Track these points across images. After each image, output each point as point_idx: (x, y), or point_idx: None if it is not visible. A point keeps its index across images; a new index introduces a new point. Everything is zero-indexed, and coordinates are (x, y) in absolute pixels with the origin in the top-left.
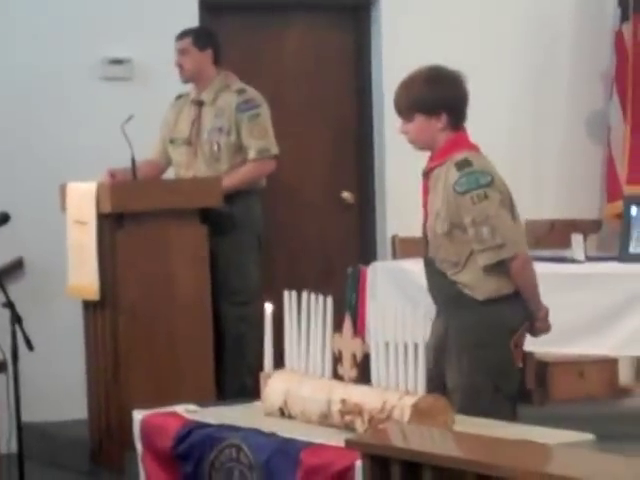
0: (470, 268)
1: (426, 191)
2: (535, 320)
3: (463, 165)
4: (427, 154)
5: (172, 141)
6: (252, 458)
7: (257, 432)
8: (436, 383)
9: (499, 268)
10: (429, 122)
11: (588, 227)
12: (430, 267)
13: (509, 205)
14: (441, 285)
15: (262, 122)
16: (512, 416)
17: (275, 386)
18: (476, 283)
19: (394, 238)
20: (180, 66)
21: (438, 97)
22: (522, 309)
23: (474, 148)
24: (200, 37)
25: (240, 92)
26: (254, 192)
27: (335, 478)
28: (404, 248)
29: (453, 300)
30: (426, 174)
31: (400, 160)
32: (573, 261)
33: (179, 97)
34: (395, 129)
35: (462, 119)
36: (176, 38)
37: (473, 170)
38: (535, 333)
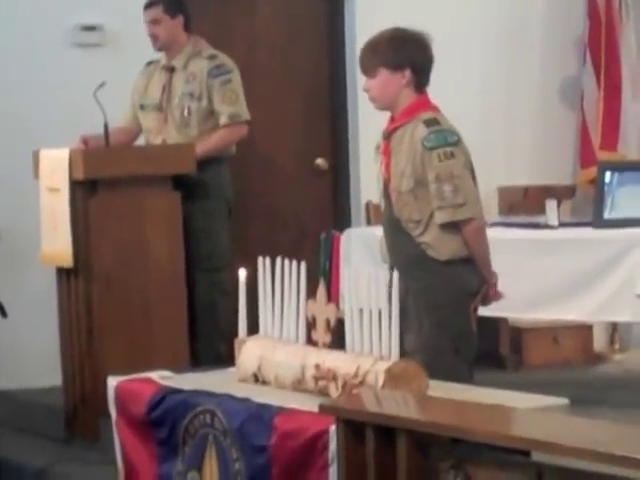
0: (432, 227)
1: (387, 153)
2: (487, 287)
3: (432, 123)
4: None
5: (142, 107)
6: (226, 423)
7: (231, 397)
8: None
9: (458, 229)
10: (393, 77)
11: (562, 193)
12: (394, 227)
13: (471, 170)
14: (404, 245)
15: (234, 87)
16: (470, 379)
17: (249, 352)
18: (438, 243)
19: (368, 204)
20: (153, 36)
21: (403, 53)
22: (479, 272)
23: (438, 110)
24: (170, 4)
25: (212, 58)
26: (224, 159)
27: (309, 443)
28: (378, 214)
29: (415, 261)
30: (387, 136)
31: (374, 127)
32: (547, 227)
33: (149, 63)
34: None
35: (426, 82)
36: (145, 7)
37: (442, 128)
38: (486, 301)
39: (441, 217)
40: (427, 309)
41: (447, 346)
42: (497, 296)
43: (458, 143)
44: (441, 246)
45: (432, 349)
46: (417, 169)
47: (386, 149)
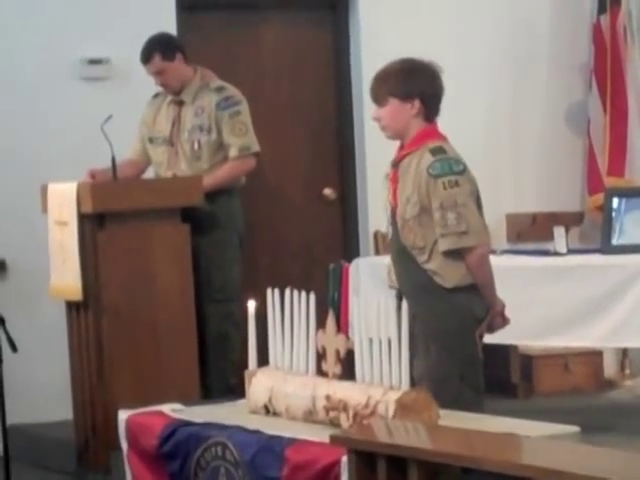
0: (436, 254)
1: (395, 180)
2: (492, 315)
3: (437, 151)
4: None
5: (151, 140)
6: (237, 456)
7: (242, 430)
8: None
9: (462, 256)
10: (403, 107)
11: (570, 220)
12: (401, 254)
13: (476, 198)
14: (411, 272)
15: (243, 119)
16: (478, 407)
17: (260, 384)
18: (443, 270)
19: (376, 234)
20: (164, 85)
21: (413, 84)
22: (485, 299)
23: (446, 140)
24: (165, 50)
25: (219, 90)
26: (234, 190)
27: (321, 474)
28: (386, 244)
29: (422, 287)
30: (396, 164)
31: (381, 156)
32: (555, 254)
33: (156, 95)
34: (374, 124)
35: (435, 112)
36: (143, 62)
37: (447, 157)
38: (491, 329)
39: (444, 245)
40: (433, 335)
41: (453, 373)
42: (504, 323)
43: (463, 172)
44: (446, 273)
45: (438, 375)
46: (422, 197)
47: (394, 177)
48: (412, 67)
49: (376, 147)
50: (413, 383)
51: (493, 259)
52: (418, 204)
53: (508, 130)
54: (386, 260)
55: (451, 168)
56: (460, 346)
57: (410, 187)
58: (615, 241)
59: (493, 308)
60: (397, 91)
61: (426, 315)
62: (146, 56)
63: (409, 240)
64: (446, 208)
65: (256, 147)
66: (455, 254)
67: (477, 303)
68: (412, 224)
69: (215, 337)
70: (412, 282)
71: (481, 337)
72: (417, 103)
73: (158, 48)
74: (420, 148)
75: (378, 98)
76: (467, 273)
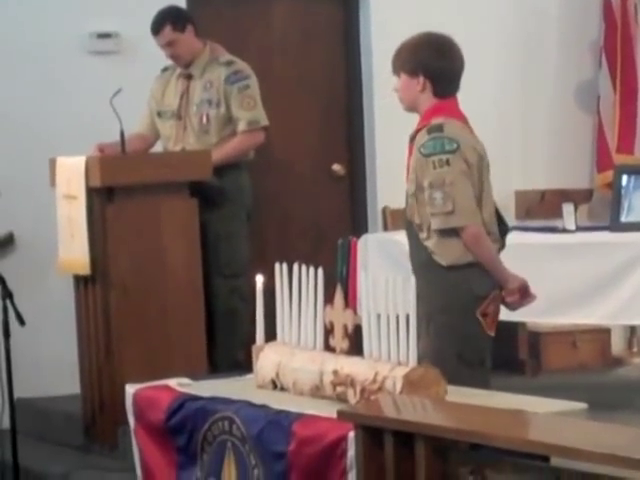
0: (433, 233)
1: (410, 155)
2: (506, 292)
3: (434, 129)
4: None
5: (159, 114)
6: (244, 430)
7: (249, 404)
8: None
9: (458, 235)
10: (411, 82)
11: (579, 197)
12: (409, 229)
13: (476, 177)
14: (416, 248)
15: (251, 93)
16: (481, 384)
17: (267, 359)
18: (438, 248)
19: (385, 210)
20: (174, 57)
21: (417, 60)
22: (491, 277)
23: (456, 116)
24: (176, 21)
25: (229, 64)
26: (242, 164)
27: (328, 449)
28: (395, 220)
29: (424, 264)
30: (412, 138)
31: (390, 131)
32: (564, 231)
33: (165, 69)
34: (383, 101)
35: (446, 89)
36: (153, 33)
37: (441, 135)
38: (510, 306)
39: (434, 224)
40: (431, 313)
41: (450, 351)
42: (524, 300)
43: (455, 151)
44: (442, 252)
45: (435, 354)
46: (417, 174)
47: (410, 151)
48: (419, 42)
49: (385, 123)
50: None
51: None
52: (414, 182)
53: (518, 107)
54: (394, 237)
55: (443, 147)
56: (458, 324)
57: (412, 164)
58: (624, 218)
59: (503, 285)
60: (405, 66)
61: (426, 292)
62: (157, 27)
63: (410, 216)
64: (434, 187)
65: (265, 121)
66: (450, 232)
67: (478, 280)
68: (411, 201)
69: (223, 312)
70: (416, 258)
71: (486, 314)
72: (421, 80)
73: (169, 19)
74: (427, 125)
75: (394, 70)
76: (465, 251)
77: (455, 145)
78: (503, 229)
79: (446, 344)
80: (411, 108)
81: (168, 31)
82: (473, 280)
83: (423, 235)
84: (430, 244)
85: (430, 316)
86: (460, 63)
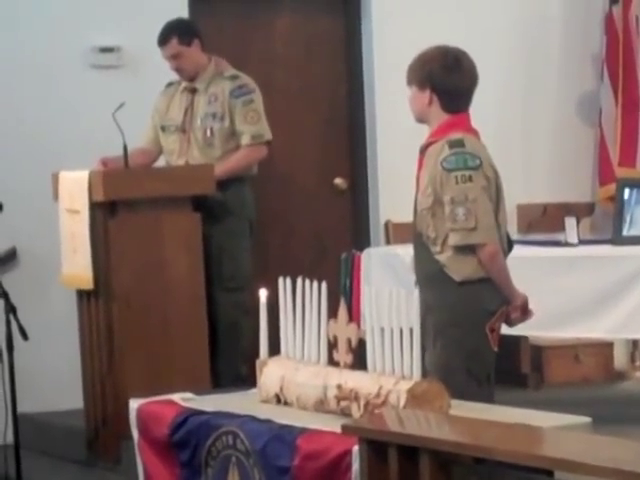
0: (447, 247)
1: (420, 166)
2: (511, 308)
3: (455, 144)
4: (420, 137)
5: (163, 128)
6: (248, 445)
7: (253, 419)
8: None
9: (473, 251)
10: (420, 95)
11: (581, 210)
12: (418, 241)
13: (494, 195)
14: (425, 260)
15: (255, 107)
16: (484, 399)
17: (271, 373)
18: (452, 263)
19: (387, 223)
20: (179, 70)
21: (426, 74)
22: (500, 293)
23: (472, 132)
24: (183, 33)
25: (233, 78)
26: (246, 179)
27: (332, 464)
28: (397, 233)
29: (433, 278)
30: (423, 150)
31: (392, 145)
32: (566, 244)
33: (170, 84)
34: (386, 115)
35: (455, 104)
36: (160, 44)
37: (464, 151)
38: (511, 322)
39: (454, 239)
40: (441, 327)
41: (458, 365)
42: (524, 317)
43: (478, 167)
44: (456, 267)
45: (443, 368)
46: (436, 189)
47: (420, 163)
48: (431, 56)
49: (387, 137)
50: (426, 374)
51: None
52: (432, 196)
53: (519, 120)
54: (397, 250)
55: (466, 163)
56: (467, 338)
57: (427, 177)
58: (626, 232)
59: (511, 302)
60: (416, 78)
61: (435, 306)
62: (163, 38)
63: (422, 229)
64: (456, 203)
65: (268, 135)
66: (466, 249)
67: (489, 296)
68: (425, 214)
69: (225, 326)
70: (425, 271)
71: (493, 330)
72: (428, 94)
73: (176, 32)
74: (443, 138)
75: (408, 81)
76: (478, 267)
77: (478, 161)
78: (508, 245)
79: (455, 358)
80: (420, 120)
81: (174, 43)
82: (484, 295)
83: (436, 249)
84: (443, 258)
85: (438, 330)
86: (471, 79)
